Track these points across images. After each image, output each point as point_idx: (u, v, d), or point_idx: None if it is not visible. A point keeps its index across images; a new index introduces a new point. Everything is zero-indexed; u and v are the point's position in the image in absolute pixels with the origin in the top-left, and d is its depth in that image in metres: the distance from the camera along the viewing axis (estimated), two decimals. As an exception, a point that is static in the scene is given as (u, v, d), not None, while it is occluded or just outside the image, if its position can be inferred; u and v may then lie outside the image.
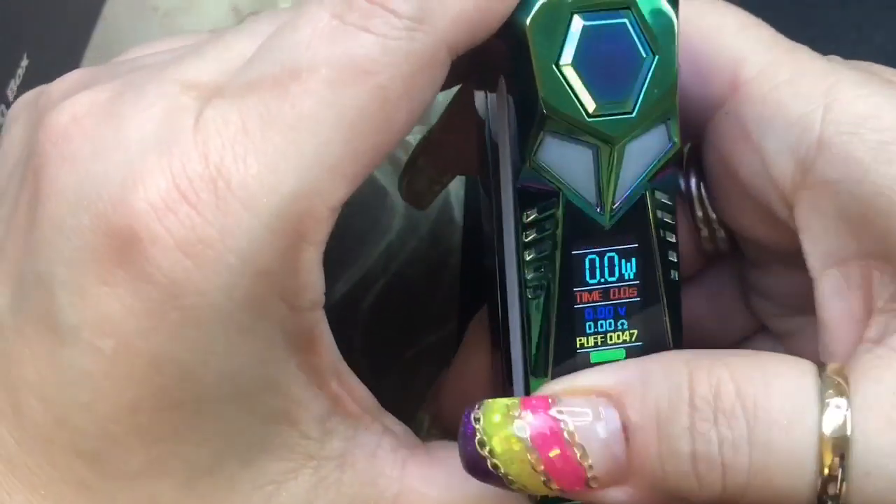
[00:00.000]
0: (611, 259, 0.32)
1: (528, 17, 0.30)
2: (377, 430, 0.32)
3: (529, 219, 0.31)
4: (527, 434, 0.30)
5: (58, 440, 0.30)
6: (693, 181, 0.36)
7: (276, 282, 0.29)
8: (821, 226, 0.32)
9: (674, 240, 0.32)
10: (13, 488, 0.30)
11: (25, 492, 0.30)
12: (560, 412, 0.30)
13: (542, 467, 0.30)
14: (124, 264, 0.28)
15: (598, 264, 0.32)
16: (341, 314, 0.42)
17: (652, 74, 0.30)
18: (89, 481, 0.30)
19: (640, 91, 0.30)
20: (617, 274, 0.32)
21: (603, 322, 0.32)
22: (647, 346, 0.32)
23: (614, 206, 0.31)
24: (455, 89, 0.36)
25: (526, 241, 0.31)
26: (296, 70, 0.29)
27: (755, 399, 0.30)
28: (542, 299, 0.32)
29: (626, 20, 0.30)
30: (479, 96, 0.33)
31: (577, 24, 0.30)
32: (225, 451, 0.30)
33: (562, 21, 0.30)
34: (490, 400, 0.31)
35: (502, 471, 0.30)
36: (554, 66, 0.30)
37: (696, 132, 0.34)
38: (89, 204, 0.29)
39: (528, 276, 0.31)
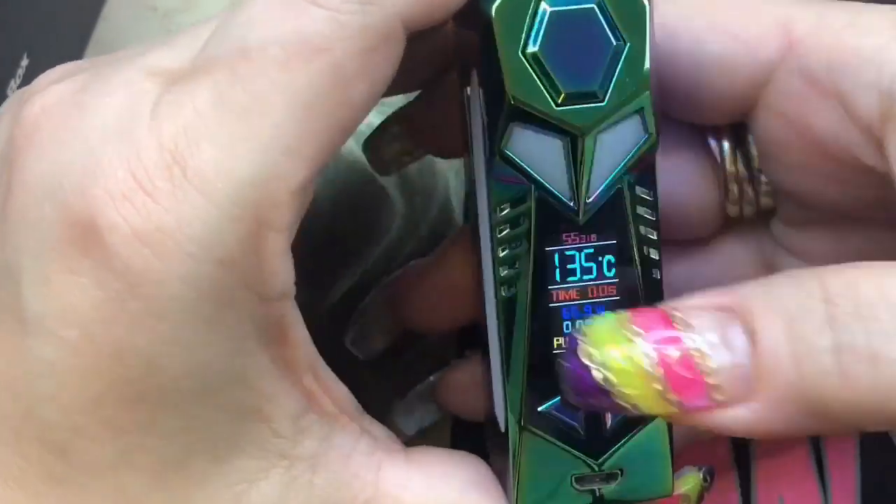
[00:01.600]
0: (587, 256, 0.31)
1: (493, 4, 0.29)
2: (354, 432, 0.32)
3: (502, 213, 0.31)
4: (651, 352, 0.28)
5: (26, 432, 0.30)
6: (727, 142, 0.35)
7: (239, 270, 0.29)
8: None
9: (655, 237, 0.31)
10: None
11: None
12: (679, 323, 0.28)
13: (662, 372, 0.28)
14: (86, 253, 0.28)
15: (574, 261, 0.31)
16: (341, 314, 0.42)
17: (623, 62, 0.30)
18: (59, 473, 0.30)
19: (611, 79, 0.30)
20: (594, 272, 0.31)
21: (581, 321, 0.31)
22: None
23: (589, 201, 0.31)
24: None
25: (499, 236, 0.31)
26: (245, 49, 0.28)
27: None
28: (515, 297, 0.31)
29: (594, 5, 0.30)
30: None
31: (544, 10, 0.30)
32: (194, 447, 0.30)
33: (528, 7, 0.30)
34: (593, 325, 0.29)
35: (613, 381, 0.28)
36: (520, 55, 0.29)
37: (741, 110, 0.34)
38: (53, 193, 0.29)
39: (502, 273, 0.31)
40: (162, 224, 0.28)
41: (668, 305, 0.29)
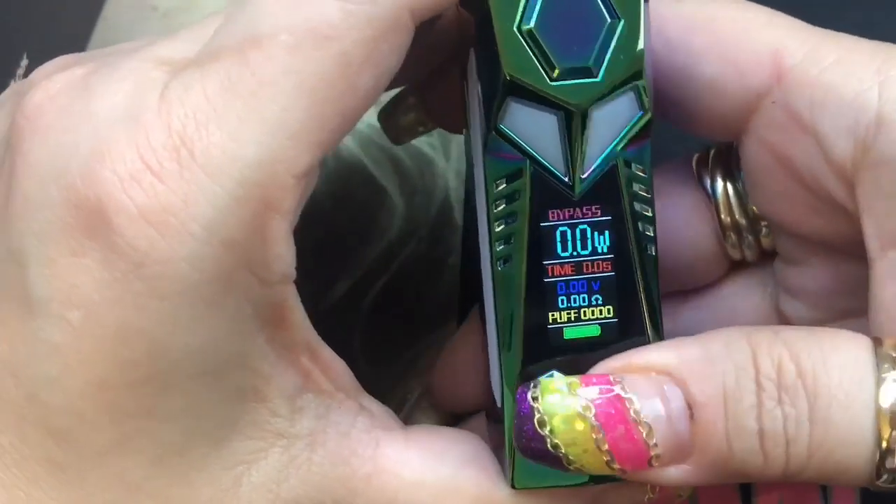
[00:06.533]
0: (583, 232, 0.31)
1: None
2: (351, 409, 0.32)
3: (498, 189, 0.31)
4: (592, 413, 0.30)
5: (29, 416, 0.30)
6: (720, 185, 0.35)
7: (243, 253, 0.29)
8: (884, 205, 0.31)
9: (650, 213, 0.32)
10: None
11: None
12: (624, 390, 0.30)
13: (607, 447, 0.30)
14: (92, 235, 0.29)
15: (568, 237, 0.31)
16: (341, 314, 0.42)
17: (617, 39, 0.30)
18: (59, 459, 0.30)
19: (605, 56, 0.30)
20: (590, 247, 0.31)
21: (576, 297, 0.31)
22: (623, 322, 0.31)
23: (584, 176, 0.31)
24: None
25: (495, 211, 0.31)
26: (256, 37, 0.29)
27: (814, 375, 0.30)
28: (511, 271, 0.31)
29: None
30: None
31: None
32: (194, 430, 0.30)
33: None
34: (547, 379, 0.30)
35: (563, 451, 0.30)
36: (516, 31, 0.30)
37: (730, 132, 0.34)
38: (58, 176, 0.29)
39: (498, 248, 0.31)
40: (168, 204, 0.28)
41: (611, 367, 0.31)
